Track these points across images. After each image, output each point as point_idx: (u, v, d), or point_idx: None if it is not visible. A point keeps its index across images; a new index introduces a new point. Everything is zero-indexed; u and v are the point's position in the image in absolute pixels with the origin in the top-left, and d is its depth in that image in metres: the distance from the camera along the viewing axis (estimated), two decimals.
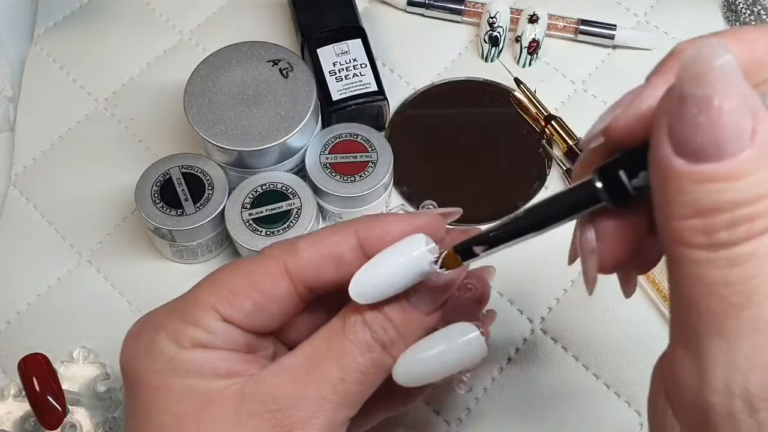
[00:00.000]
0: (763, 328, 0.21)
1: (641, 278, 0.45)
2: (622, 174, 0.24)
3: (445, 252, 0.28)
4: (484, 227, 0.29)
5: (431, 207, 0.33)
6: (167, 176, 0.46)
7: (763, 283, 0.21)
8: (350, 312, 0.30)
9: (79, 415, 0.42)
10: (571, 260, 0.30)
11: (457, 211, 0.33)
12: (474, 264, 0.29)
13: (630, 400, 0.43)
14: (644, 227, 0.26)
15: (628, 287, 0.30)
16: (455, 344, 0.30)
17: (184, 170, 0.46)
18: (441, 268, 0.28)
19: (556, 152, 0.50)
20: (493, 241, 0.28)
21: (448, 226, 0.32)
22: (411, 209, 0.33)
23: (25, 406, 0.43)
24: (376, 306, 0.29)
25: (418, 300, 0.30)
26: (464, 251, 0.28)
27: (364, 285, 0.28)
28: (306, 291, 0.30)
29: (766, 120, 0.20)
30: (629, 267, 0.29)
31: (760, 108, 0.20)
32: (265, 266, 0.30)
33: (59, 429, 0.41)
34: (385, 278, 0.28)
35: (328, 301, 0.32)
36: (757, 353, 0.21)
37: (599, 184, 0.24)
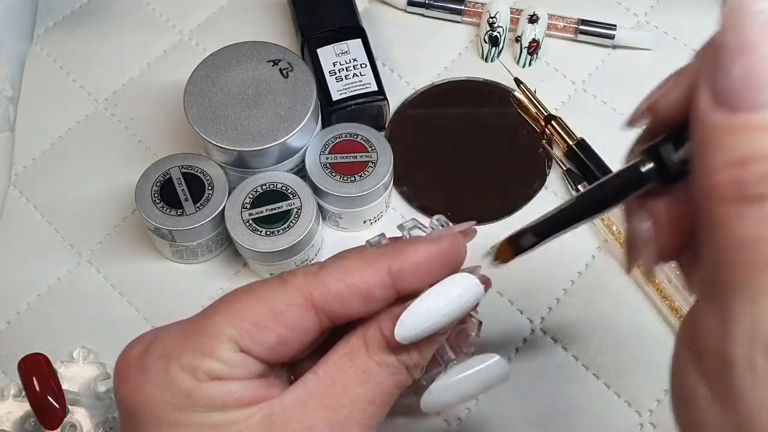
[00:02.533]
0: None
1: (641, 278, 0.45)
2: (666, 149, 0.24)
3: (498, 244, 0.28)
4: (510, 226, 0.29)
5: (443, 224, 0.32)
6: (167, 176, 0.46)
7: None
8: (372, 332, 0.29)
9: (79, 415, 0.42)
10: (630, 265, 0.29)
11: (473, 228, 0.32)
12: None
13: (630, 400, 0.43)
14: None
15: (629, 266, 0.29)
16: (480, 372, 0.31)
17: (184, 170, 0.46)
18: (495, 260, 0.28)
19: (556, 152, 0.50)
20: (545, 230, 0.27)
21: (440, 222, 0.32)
22: (423, 224, 0.32)
23: (25, 406, 0.43)
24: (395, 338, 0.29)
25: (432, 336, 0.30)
26: (516, 243, 0.28)
27: (413, 329, 0.28)
28: (328, 322, 0.29)
29: None
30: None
31: None
32: (290, 297, 0.28)
33: (59, 429, 0.41)
34: (435, 321, 0.28)
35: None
36: None
37: (647, 166, 0.24)
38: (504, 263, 0.29)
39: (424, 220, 0.33)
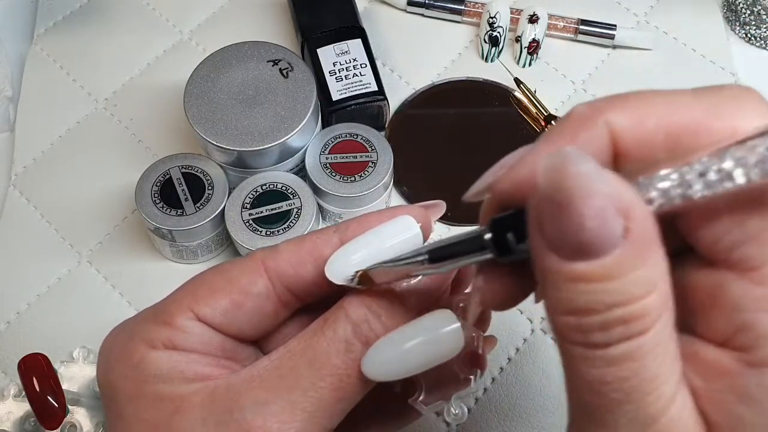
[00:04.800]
0: (645, 422, 0.21)
1: None
2: (509, 236, 0.23)
3: (361, 272, 0.27)
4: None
5: None
6: (167, 176, 0.46)
7: (642, 381, 0.20)
8: (333, 309, 0.28)
9: (79, 415, 0.42)
10: (470, 316, 0.29)
11: (440, 205, 0.31)
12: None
13: None
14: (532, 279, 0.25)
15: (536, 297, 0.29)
16: (435, 336, 0.27)
17: (184, 170, 0.46)
18: (358, 284, 0.27)
19: None
20: (396, 270, 0.27)
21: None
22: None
23: (25, 406, 0.43)
24: (362, 301, 0.27)
25: (408, 296, 0.28)
26: (370, 275, 0.27)
27: (339, 261, 0.27)
28: (287, 294, 0.29)
29: (640, 215, 0.19)
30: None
31: (633, 203, 0.19)
32: (244, 265, 0.29)
33: (59, 429, 0.41)
34: (365, 255, 0.27)
35: (315, 312, 0.30)
36: None
37: (488, 236, 0.24)
38: (368, 287, 0.28)
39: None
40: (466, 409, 0.31)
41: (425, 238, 0.28)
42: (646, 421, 0.21)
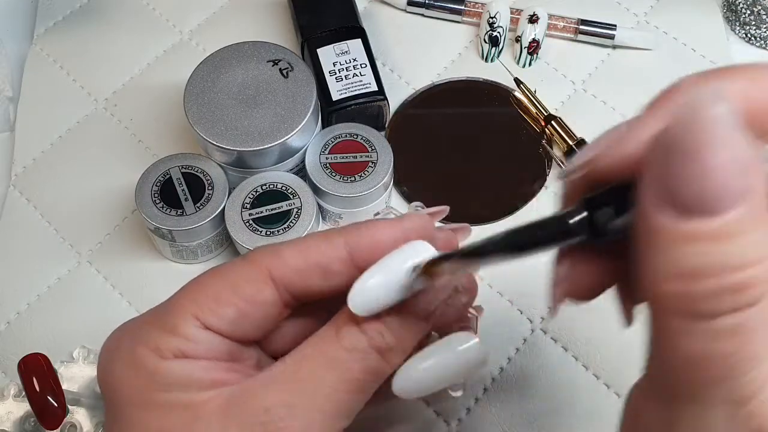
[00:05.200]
0: (739, 401, 0.20)
1: None
2: (603, 213, 0.22)
3: (424, 265, 0.27)
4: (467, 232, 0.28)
5: (419, 208, 0.32)
6: (167, 176, 0.46)
7: (743, 360, 0.19)
8: (344, 318, 0.28)
9: (79, 415, 0.42)
10: (554, 302, 0.28)
11: (444, 210, 0.32)
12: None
13: None
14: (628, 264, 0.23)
15: (626, 317, 0.28)
16: (455, 353, 0.29)
17: (184, 170, 0.46)
18: (421, 276, 0.27)
19: (556, 152, 0.50)
20: (466, 260, 0.26)
21: (438, 223, 0.31)
22: (399, 211, 0.32)
23: (25, 406, 0.43)
24: (365, 320, 0.28)
25: (415, 303, 0.29)
26: (441, 264, 0.27)
27: (363, 296, 0.27)
28: (291, 298, 0.29)
29: (761, 178, 0.18)
30: (624, 298, 0.27)
31: (755, 164, 0.18)
32: (249, 272, 0.29)
33: (59, 429, 0.41)
34: (387, 289, 0.27)
35: (313, 308, 0.31)
36: (727, 426, 0.20)
37: (578, 218, 0.23)
38: (430, 282, 0.27)
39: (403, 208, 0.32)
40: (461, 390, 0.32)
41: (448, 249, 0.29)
42: (741, 401, 0.20)
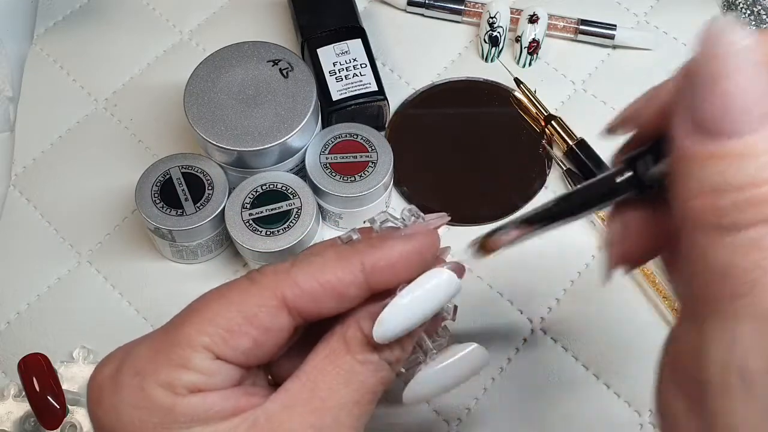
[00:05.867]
0: (763, 316, 0.21)
1: (641, 278, 0.45)
2: (643, 162, 0.24)
3: (481, 237, 0.29)
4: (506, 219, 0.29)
5: (415, 214, 0.32)
6: (167, 176, 0.46)
7: (766, 274, 0.20)
8: (352, 332, 0.28)
9: (79, 415, 0.42)
10: (607, 271, 0.29)
11: (444, 217, 0.32)
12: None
13: (630, 400, 0.43)
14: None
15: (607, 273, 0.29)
16: (459, 360, 0.31)
17: (184, 170, 0.46)
18: (477, 252, 0.29)
19: (556, 152, 0.50)
20: (525, 226, 0.28)
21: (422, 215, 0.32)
22: (396, 216, 0.32)
23: (25, 406, 0.43)
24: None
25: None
26: (497, 236, 0.28)
27: (392, 329, 0.27)
28: (302, 321, 0.29)
29: None
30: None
31: None
32: (262, 298, 0.28)
33: (59, 429, 0.41)
34: (413, 319, 0.28)
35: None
36: (753, 338, 0.21)
37: (624, 176, 0.25)
38: (486, 256, 0.29)
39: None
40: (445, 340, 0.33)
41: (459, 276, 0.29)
42: (765, 315, 0.21)
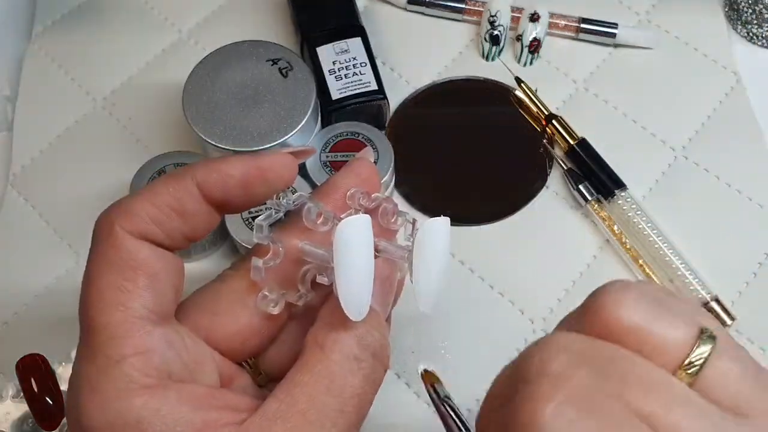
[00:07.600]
0: None
1: (640, 276, 0.45)
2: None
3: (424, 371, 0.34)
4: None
5: (312, 204, 0.31)
6: (162, 173, 0.45)
7: None
8: (324, 332, 0.27)
9: None
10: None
11: (312, 150, 0.32)
12: None
13: None
14: None
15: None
16: (433, 241, 0.31)
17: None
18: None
19: (557, 151, 0.50)
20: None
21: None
22: (309, 195, 0.31)
23: (23, 407, 0.43)
24: (348, 322, 0.27)
25: (380, 300, 0.29)
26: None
27: (355, 300, 0.27)
28: (170, 244, 0.28)
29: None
30: None
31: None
32: (100, 240, 0.29)
33: (57, 430, 0.41)
34: (368, 281, 0.27)
35: (305, 322, 0.30)
36: None
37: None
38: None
39: (421, 217, 0.33)
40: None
41: (290, 182, 0.30)
42: None
